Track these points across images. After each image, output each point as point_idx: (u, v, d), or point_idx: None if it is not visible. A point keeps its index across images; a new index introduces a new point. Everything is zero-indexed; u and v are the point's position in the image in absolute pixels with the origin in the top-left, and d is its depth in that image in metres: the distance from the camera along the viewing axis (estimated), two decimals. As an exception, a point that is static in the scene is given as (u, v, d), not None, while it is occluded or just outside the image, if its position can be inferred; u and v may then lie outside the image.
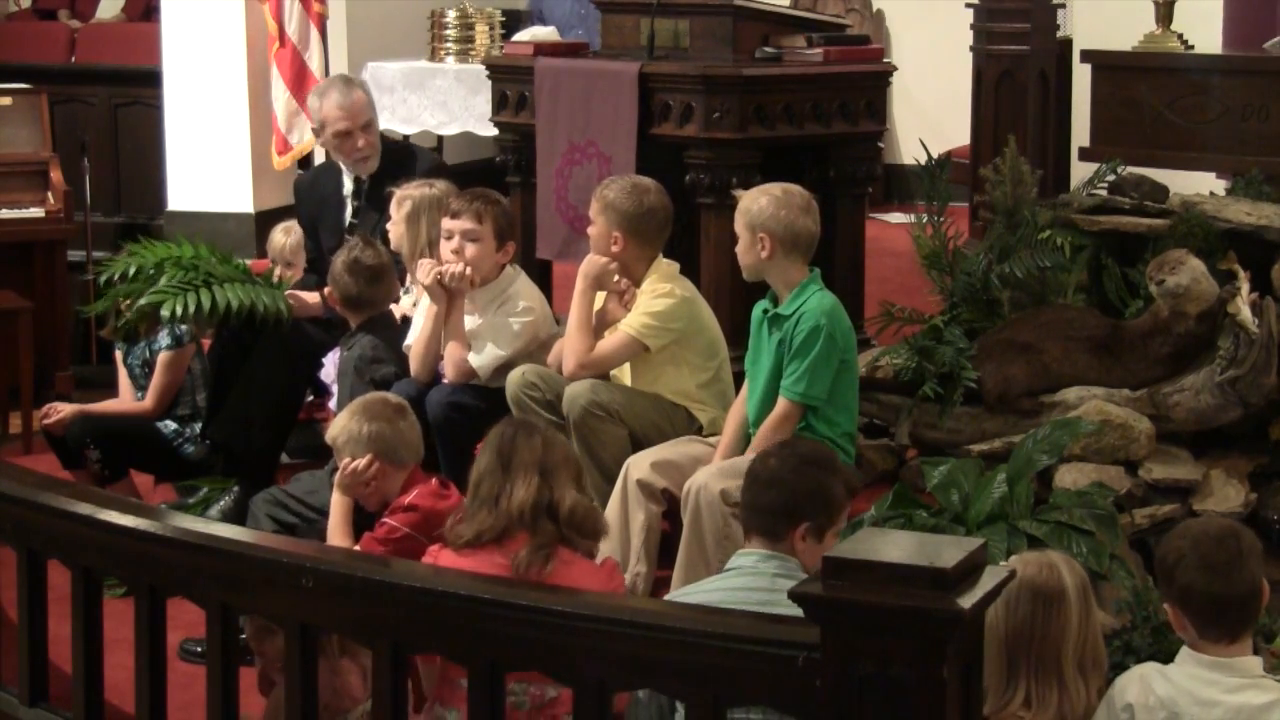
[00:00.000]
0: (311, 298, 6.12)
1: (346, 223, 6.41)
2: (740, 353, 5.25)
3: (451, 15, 9.40)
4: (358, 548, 4.61)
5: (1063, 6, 8.43)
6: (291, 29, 8.29)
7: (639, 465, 5.00)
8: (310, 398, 6.34)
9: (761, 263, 5.01)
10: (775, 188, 5.08)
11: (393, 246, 5.88)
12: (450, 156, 8.67)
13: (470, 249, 5.44)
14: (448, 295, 5.44)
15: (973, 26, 8.20)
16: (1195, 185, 6.65)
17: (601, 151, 6.08)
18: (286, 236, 6.80)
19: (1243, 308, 5.24)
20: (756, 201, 5.02)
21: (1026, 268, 5.72)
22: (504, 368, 5.38)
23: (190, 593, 3.86)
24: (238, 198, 8.67)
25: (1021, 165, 5.93)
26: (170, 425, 6.21)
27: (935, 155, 6.07)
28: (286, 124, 8.33)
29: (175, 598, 3.90)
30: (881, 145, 6.81)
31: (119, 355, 6.44)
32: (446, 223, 5.50)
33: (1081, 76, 7.52)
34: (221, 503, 5.76)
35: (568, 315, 5.36)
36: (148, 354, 6.29)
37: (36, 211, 8.01)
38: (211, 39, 8.61)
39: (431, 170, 6.26)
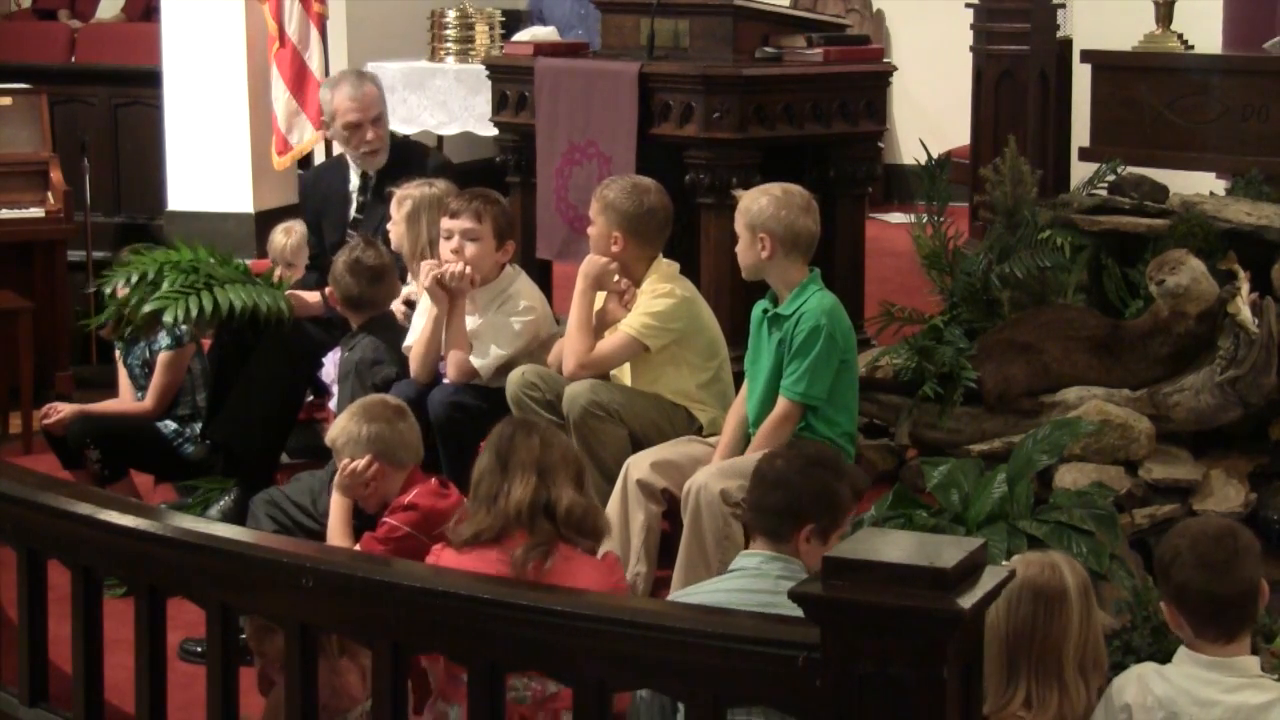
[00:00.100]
0: (312, 297, 6.12)
1: (351, 218, 6.43)
2: (740, 353, 5.25)
3: (451, 15, 9.40)
4: (358, 548, 4.61)
5: (1063, 6, 8.43)
6: (291, 29, 8.29)
7: (639, 465, 5.00)
8: (310, 398, 6.34)
9: (761, 262, 5.01)
10: (775, 188, 5.08)
11: (393, 246, 5.88)
12: (450, 156, 8.66)
13: (470, 248, 5.44)
14: (448, 296, 5.43)
15: (973, 26, 8.21)
16: (1195, 185, 6.66)
17: (601, 151, 6.08)
18: (287, 237, 6.80)
19: (1243, 308, 5.24)
20: (756, 201, 5.02)
21: (1026, 268, 5.72)
22: (505, 367, 5.38)
23: (190, 593, 3.86)
24: (237, 198, 8.67)
25: (1021, 165, 5.93)
26: (170, 425, 6.21)
27: (935, 155, 6.08)
28: (286, 124, 8.32)
29: (175, 598, 3.90)
30: (881, 145, 6.82)
31: (119, 355, 6.44)
32: (446, 223, 5.50)
33: (1081, 76, 7.53)
34: (221, 503, 5.76)
35: (568, 315, 5.36)
36: (148, 354, 6.29)
37: (36, 211, 8.01)
38: (211, 39, 8.60)
39: (438, 169, 6.26)
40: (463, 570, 3.89)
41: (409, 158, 6.42)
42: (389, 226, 5.93)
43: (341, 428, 4.78)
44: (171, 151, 8.84)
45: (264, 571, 3.63)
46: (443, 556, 4.12)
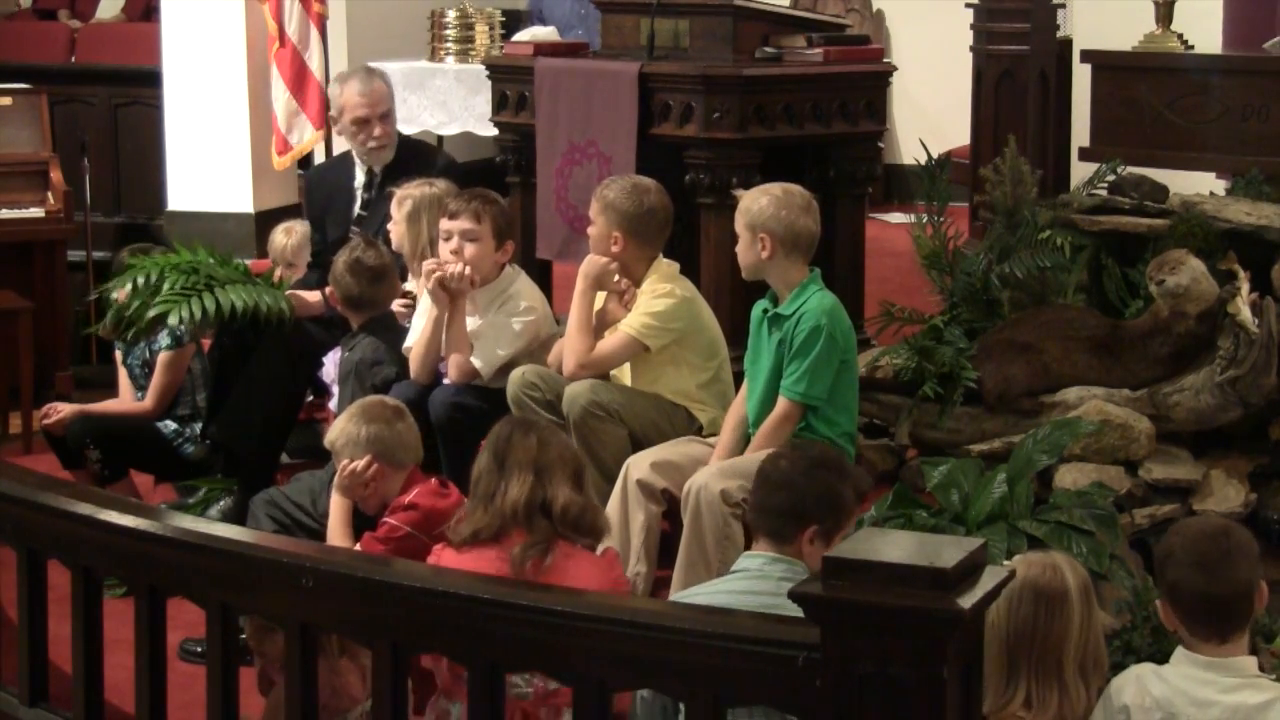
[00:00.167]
0: (313, 297, 6.12)
1: (355, 215, 6.44)
2: (740, 353, 5.25)
3: (451, 15, 9.40)
4: (358, 548, 4.62)
5: (1063, 6, 8.43)
6: (291, 29, 8.29)
7: (639, 465, 5.00)
8: (310, 398, 6.34)
9: (762, 262, 5.01)
10: (775, 187, 5.08)
11: (394, 246, 5.89)
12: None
13: (469, 249, 5.44)
14: (449, 297, 5.43)
15: (973, 26, 8.20)
16: (1195, 185, 6.65)
17: (601, 151, 6.08)
18: (287, 237, 6.80)
19: (1243, 308, 5.24)
20: (757, 201, 5.02)
21: (1026, 268, 5.72)
22: (506, 368, 5.38)
23: (190, 593, 3.86)
24: (237, 198, 8.67)
25: (1021, 165, 5.94)
26: (170, 425, 6.21)
27: (935, 155, 6.08)
28: (286, 124, 8.32)
29: (175, 598, 3.90)
30: (881, 145, 6.81)
31: (119, 355, 6.44)
32: (445, 223, 5.50)
33: (1081, 76, 7.52)
34: (221, 503, 5.76)
35: (568, 315, 5.36)
36: (147, 354, 6.29)
37: (36, 211, 8.01)
38: (211, 39, 8.61)
39: (445, 170, 6.27)
40: (462, 570, 3.89)
41: (417, 158, 6.43)
42: (389, 226, 5.93)
43: (340, 429, 4.78)
44: (171, 151, 8.84)
45: (264, 571, 3.63)
46: (443, 556, 4.13)
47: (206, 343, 6.29)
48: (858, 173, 6.29)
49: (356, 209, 6.46)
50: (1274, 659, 4.16)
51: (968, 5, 8.21)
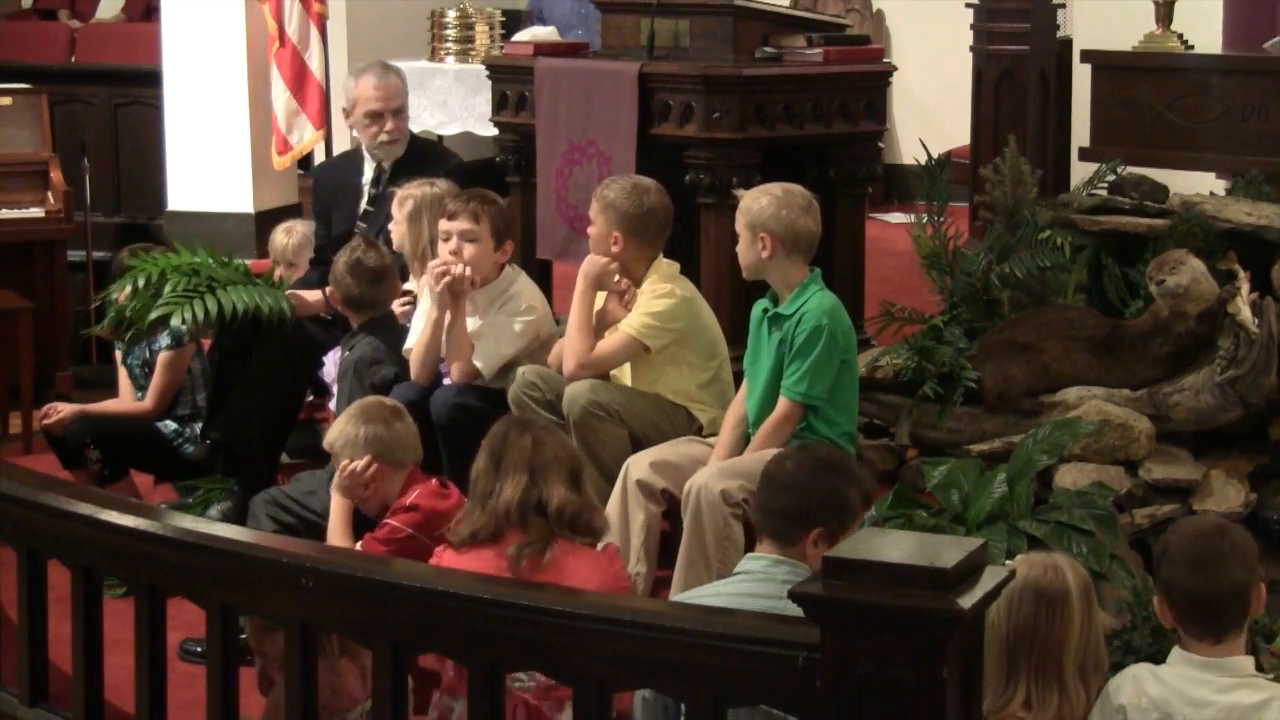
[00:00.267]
0: (313, 296, 6.12)
1: (361, 210, 6.44)
2: (740, 353, 5.25)
3: (451, 15, 9.40)
4: (358, 548, 4.62)
5: (1063, 6, 8.43)
6: (291, 29, 8.29)
7: (639, 465, 5.00)
8: (310, 398, 6.34)
9: (762, 262, 5.01)
10: (776, 187, 5.08)
11: (395, 246, 5.89)
12: (451, 157, 8.67)
13: (468, 249, 5.44)
14: (451, 299, 5.43)
15: (973, 26, 8.20)
16: (1195, 185, 6.65)
17: (601, 151, 6.08)
18: (288, 237, 6.80)
19: (1243, 308, 5.24)
20: (757, 201, 5.02)
21: (1026, 268, 5.72)
22: (507, 368, 5.38)
23: (190, 593, 3.85)
24: (237, 198, 8.67)
25: (1021, 165, 5.93)
26: (170, 425, 6.21)
27: (935, 155, 6.08)
28: (286, 124, 8.32)
29: (175, 598, 3.90)
30: (881, 145, 6.81)
31: (119, 355, 6.44)
32: (444, 224, 5.50)
33: (1081, 76, 7.52)
34: (221, 503, 5.76)
35: (568, 315, 5.36)
36: (147, 354, 6.29)
37: (36, 211, 8.02)
38: (211, 39, 8.60)
39: (453, 171, 6.27)
40: (463, 570, 3.89)
41: (428, 157, 6.44)
42: (390, 226, 5.93)
43: (339, 430, 4.78)
44: (171, 151, 8.84)
45: (264, 571, 3.63)
46: (445, 557, 4.13)
47: (206, 343, 6.29)
48: (858, 173, 6.28)
49: (363, 204, 6.46)
50: (1274, 659, 4.17)
51: (968, 5, 8.21)
